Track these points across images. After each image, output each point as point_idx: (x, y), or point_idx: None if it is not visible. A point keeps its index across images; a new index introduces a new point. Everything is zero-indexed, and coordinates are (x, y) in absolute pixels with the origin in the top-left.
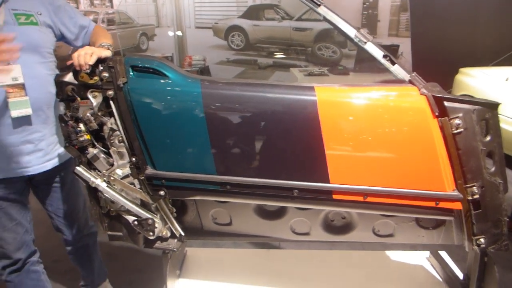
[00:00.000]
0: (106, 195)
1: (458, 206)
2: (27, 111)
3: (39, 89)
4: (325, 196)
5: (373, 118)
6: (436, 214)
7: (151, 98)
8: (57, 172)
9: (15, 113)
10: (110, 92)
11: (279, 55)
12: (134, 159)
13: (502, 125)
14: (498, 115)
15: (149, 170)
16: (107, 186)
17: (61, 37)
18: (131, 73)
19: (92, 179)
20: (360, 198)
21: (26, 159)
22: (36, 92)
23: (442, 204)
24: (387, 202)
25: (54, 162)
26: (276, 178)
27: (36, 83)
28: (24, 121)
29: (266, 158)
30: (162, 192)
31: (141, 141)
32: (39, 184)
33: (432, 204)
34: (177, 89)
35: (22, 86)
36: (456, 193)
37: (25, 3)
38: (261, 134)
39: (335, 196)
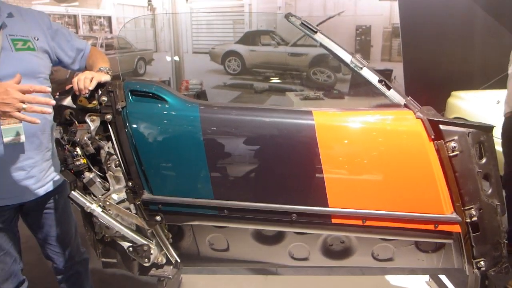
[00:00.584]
0: (102, 221)
1: (457, 228)
2: (21, 138)
3: (33, 115)
4: (324, 220)
5: (371, 142)
6: (435, 237)
7: (150, 122)
8: (49, 198)
9: (8, 140)
10: (109, 116)
11: (275, 79)
12: (130, 183)
13: (495, 147)
14: (493, 138)
15: (146, 195)
16: (102, 211)
17: (57, 62)
18: (130, 98)
19: (88, 204)
20: (359, 222)
21: (17, 186)
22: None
23: (441, 227)
24: (386, 225)
25: (46, 188)
26: (275, 202)
27: None
28: (17, 148)
29: (264, 183)
30: (158, 217)
31: (138, 165)
32: (30, 211)
33: (431, 227)
34: (176, 113)
35: None
36: (454, 215)
37: (22, 28)
38: (259, 158)
39: (334, 220)
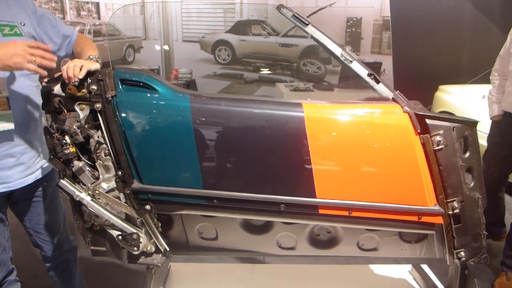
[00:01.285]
0: (91, 209)
1: (439, 220)
2: (10, 125)
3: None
4: (311, 211)
5: (359, 135)
6: (418, 228)
7: (140, 111)
8: (37, 186)
9: None
10: (98, 105)
11: (265, 70)
12: (120, 172)
13: (480, 141)
14: (477, 132)
15: (136, 184)
16: (92, 200)
17: None
18: (120, 86)
19: (77, 192)
20: (346, 213)
21: (7, 173)
22: (20, 104)
23: (424, 219)
24: (371, 216)
25: (35, 176)
26: (264, 192)
27: (20, 96)
28: (6, 135)
29: (253, 173)
30: (148, 207)
31: (128, 154)
32: (18, 199)
33: (415, 218)
34: (166, 103)
35: (5, 100)
36: (437, 207)
37: (7, 13)
38: (249, 149)
39: (321, 211)
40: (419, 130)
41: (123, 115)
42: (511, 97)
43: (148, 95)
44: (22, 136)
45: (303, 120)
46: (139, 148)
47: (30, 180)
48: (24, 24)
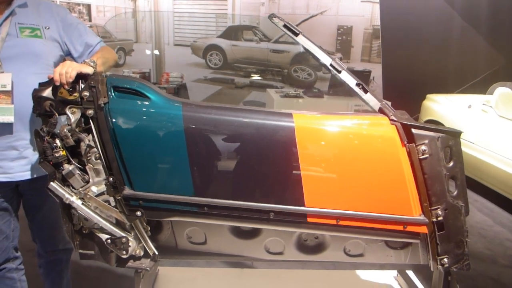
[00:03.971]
0: (80, 213)
1: (424, 230)
2: (10, 118)
3: (29, 98)
4: (300, 219)
5: (347, 146)
6: (404, 237)
7: (132, 119)
8: (42, 182)
9: None
10: (90, 111)
11: (256, 76)
12: (111, 178)
13: (464, 149)
14: (461, 142)
15: (127, 191)
16: (82, 203)
17: (68, 53)
18: (113, 94)
19: (67, 195)
20: (334, 222)
21: (9, 164)
22: (26, 100)
23: (410, 228)
24: (358, 225)
25: (39, 172)
26: (254, 201)
27: (27, 92)
28: (7, 127)
29: (244, 181)
30: (139, 213)
31: (120, 161)
32: (24, 192)
33: (400, 227)
34: (158, 111)
35: (9, 94)
36: (422, 217)
37: (34, 17)
38: (240, 158)
39: (309, 219)
40: (405, 142)
41: (115, 122)
42: None
43: (140, 102)
44: (26, 131)
45: (293, 130)
46: (130, 155)
47: (32, 174)
48: (48, 28)
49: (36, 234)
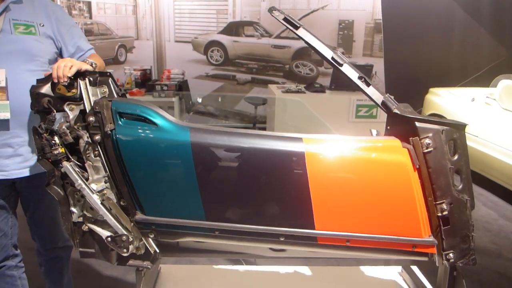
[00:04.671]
0: (89, 200)
1: (433, 250)
2: (5, 115)
3: (23, 96)
4: (310, 241)
5: (358, 171)
6: (412, 255)
7: (140, 146)
8: (39, 180)
9: None
10: (97, 137)
11: (258, 71)
12: (122, 202)
13: (468, 142)
14: (465, 135)
15: (139, 215)
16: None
17: (60, 52)
18: (119, 120)
19: (80, 181)
20: (343, 243)
21: (5, 162)
22: (20, 98)
23: (419, 248)
24: (368, 246)
25: (34, 170)
26: (264, 225)
27: (21, 90)
28: (3, 124)
29: (254, 206)
30: (151, 235)
31: (130, 187)
32: (21, 190)
33: (409, 248)
34: (166, 137)
35: (3, 90)
36: (431, 239)
37: (29, 14)
38: (249, 183)
39: (320, 241)
40: (417, 166)
41: (123, 149)
42: None
43: (147, 129)
44: (21, 129)
45: (303, 156)
46: (140, 182)
47: (27, 172)
48: (43, 25)
49: (35, 232)
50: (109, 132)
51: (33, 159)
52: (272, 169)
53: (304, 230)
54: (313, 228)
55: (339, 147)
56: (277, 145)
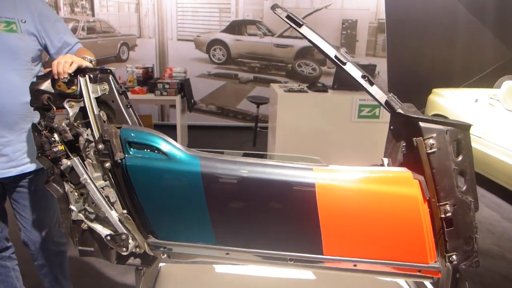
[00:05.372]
0: (92, 195)
1: (438, 275)
2: None
3: (7, 95)
4: (318, 264)
5: (368, 203)
6: (417, 278)
7: (150, 176)
8: (26, 180)
9: None
10: (108, 164)
11: (260, 70)
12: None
13: (471, 144)
14: (470, 136)
15: (151, 239)
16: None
17: (44, 47)
18: (129, 150)
19: (85, 175)
20: (350, 266)
21: None
22: (3, 97)
23: (424, 272)
24: (375, 269)
25: (20, 170)
26: (273, 249)
27: (5, 89)
28: None
29: (263, 232)
30: (164, 255)
31: (141, 213)
32: (9, 188)
33: (415, 272)
34: (176, 167)
35: None
36: (437, 264)
37: (9, 10)
38: (259, 210)
39: (327, 264)
40: (428, 198)
41: (133, 178)
42: None
43: (158, 159)
44: (5, 129)
45: (314, 186)
46: (151, 209)
47: (13, 172)
48: (24, 21)
49: (25, 235)
50: (119, 161)
51: (19, 159)
52: (282, 199)
53: (312, 255)
54: (321, 254)
55: (349, 179)
56: (288, 176)
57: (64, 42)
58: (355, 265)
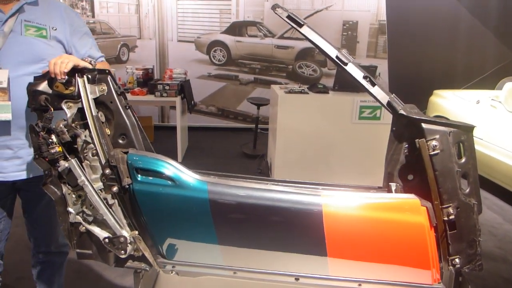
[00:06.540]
0: (90, 198)
1: None
2: (7, 116)
3: (25, 99)
4: (323, 282)
5: (374, 227)
6: None
7: (158, 202)
8: (37, 182)
9: None
10: (115, 188)
11: (260, 71)
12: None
13: (475, 146)
14: (473, 138)
15: (160, 259)
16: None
17: None
18: (137, 176)
19: (83, 177)
20: (355, 285)
21: (3, 164)
22: (22, 100)
23: None
24: None
25: (34, 173)
26: (280, 270)
27: (24, 92)
28: (4, 126)
29: (270, 255)
30: (172, 273)
31: (150, 235)
32: (20, 191)
33: None
34: (184, 194)
35: (5, 91)
36: (441, 285)
37: (42, 16)
38: (267, 235)
39: (332, 283)
40: (434, 224)
41: (142, 204)
42: None
43: (166, 185)
44: (21, 131)
45: (321, 212)
46: (159, 233)
47: (26, 175)
48: (55, 29)
49: (30, 232)
50: (127, 186)
51: (31, 163)
52: (290, 224)
53: (317, 275)
54: (327, 273)
55: (356, 205)
56: (295, 203)
57: (88, 56)
58: (359, 285)
